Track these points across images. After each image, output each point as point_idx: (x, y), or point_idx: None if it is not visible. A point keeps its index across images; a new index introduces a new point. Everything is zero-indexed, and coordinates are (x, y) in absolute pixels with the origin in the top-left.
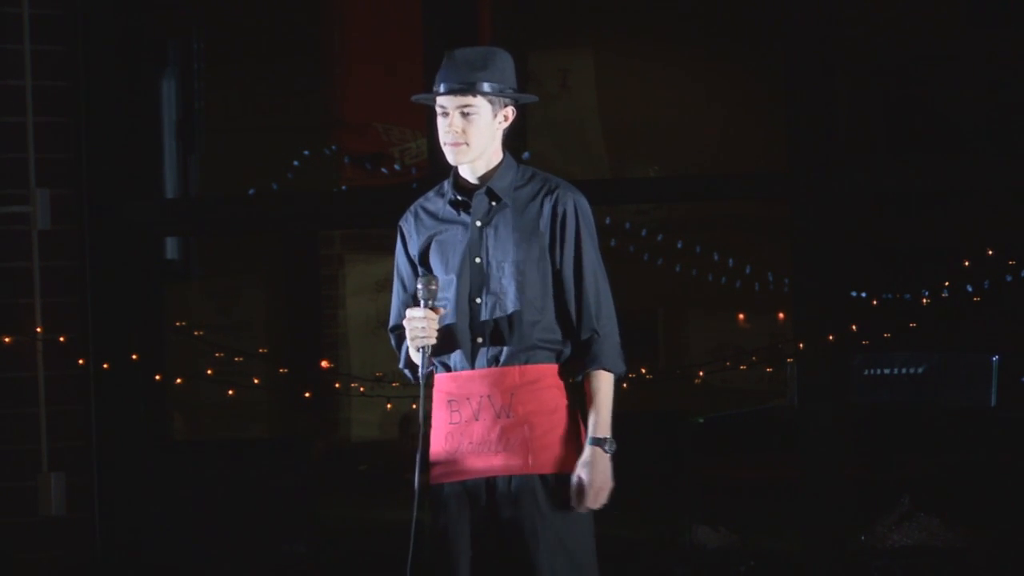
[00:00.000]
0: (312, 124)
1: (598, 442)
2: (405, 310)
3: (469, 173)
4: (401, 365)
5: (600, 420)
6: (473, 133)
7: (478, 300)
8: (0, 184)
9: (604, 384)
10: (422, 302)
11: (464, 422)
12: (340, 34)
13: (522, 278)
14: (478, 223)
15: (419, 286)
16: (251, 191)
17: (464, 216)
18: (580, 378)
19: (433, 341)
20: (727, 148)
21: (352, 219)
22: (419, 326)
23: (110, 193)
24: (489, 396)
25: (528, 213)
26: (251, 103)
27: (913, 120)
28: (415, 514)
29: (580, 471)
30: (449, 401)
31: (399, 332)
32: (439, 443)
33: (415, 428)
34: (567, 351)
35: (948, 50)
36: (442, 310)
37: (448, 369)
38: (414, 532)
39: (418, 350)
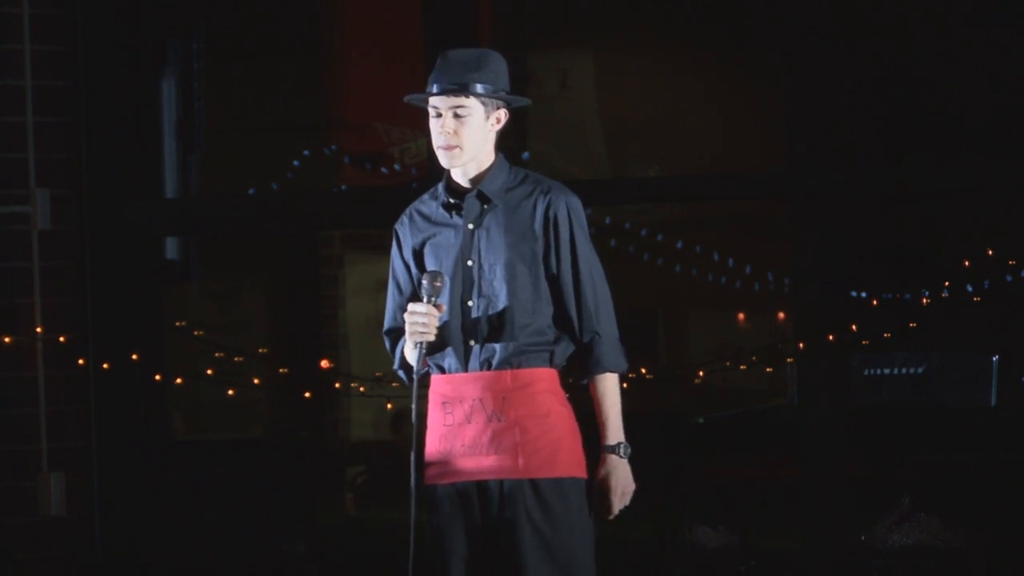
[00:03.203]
0: (312, 124)
1: (612, 449)
2: (401, 312)
3: (461, 176)
4: (396, 366)
5: (611, 426)
6: (466, 135)
7: (470, 302)
8: (0, 184)
9: (610, 387)
10: (425, 297)
11: (457, 424)
12: (340, 34)
13: (513, 280)
14: (470, 226)
15: (424, 281)
16: (251, 191)
17: (456, 219)
18: (585, 382)
19: (432, 338)
20: (727, 148)
21: (352, 219)
22: (420, 321)
23: (110, 193)
24: (481, 399)
25: (520, 215)
26: (251, 103)
27: (913, 120)
28: (413, 515)
29: (600, 480)
30: (443, 403)
31: (394, 335)
32: (433, 444)
33: (407, 428)
34: (559, 352)
35: (948, 50)
36: (444, 307)
37: (443, 371)
38: (413, 533)
39: (415, 346)
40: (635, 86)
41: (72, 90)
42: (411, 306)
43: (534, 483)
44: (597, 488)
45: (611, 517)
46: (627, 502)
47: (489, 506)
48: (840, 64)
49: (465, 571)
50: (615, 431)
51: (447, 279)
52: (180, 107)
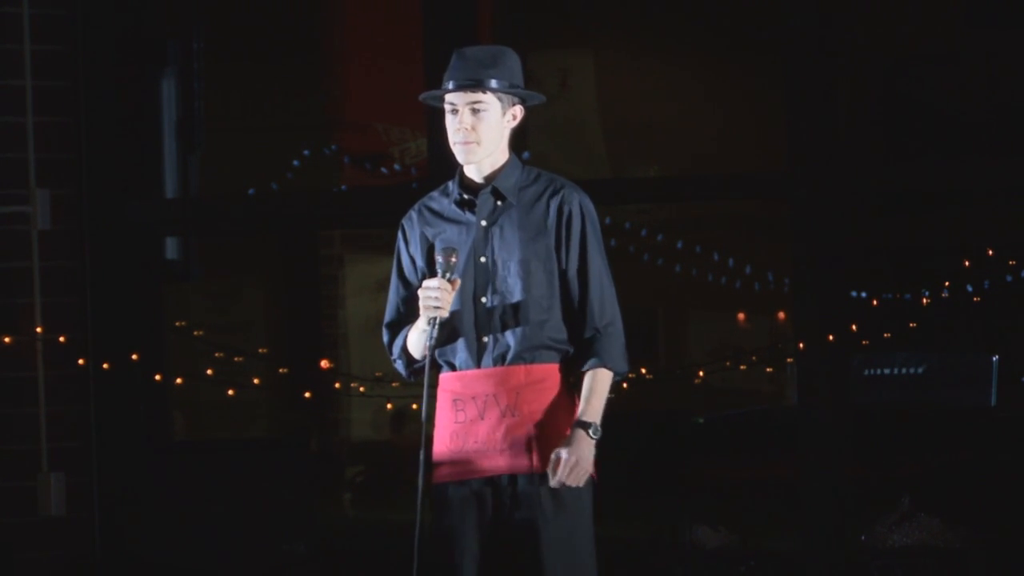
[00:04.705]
0: (312, 124)
1: (583, 425)
2: (404, 306)
3: (475, 172)
4: (395, 356)
5: (590, 406)
6: (483, 130)
7: (484, 299)
8: (0, 184)
9: (601, 377)
10: (440, 272)
11: (469, 421)
12: (340, 34)
13: (528, 277)
14: (484, 222)
15: (439, 258)
16: (251, 191)
17: (469, 215)
18: (582, 370)
19: (446, 314)
20: (727, 148)
21: (352, 219)
22: (433, 295)
23: (110, 193)
24: (495, 395)
25: (534, 213)
26: (251, 103)
27: (913, 120)
28: (419, 514)
29: (560, 448)
30: (454, 400)
31: (394, 329)
32: (443, 443)
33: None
34: (573, 351)
35: (948, 50)
36: (458, 282)
37: (453, 368)
38: (418, 533)
39: (428, 322)
40: (635, 86)
41: (72, 90)
42: (425, 283)
43: (547, 479)
44: (553, 455)
45: (552, 484)
46: (578, 480)
47: (503, 503)
48: (840, 64)
49: (477, 571)
50: (593, 412)
51: (459, 278)
52: (180, 107)
